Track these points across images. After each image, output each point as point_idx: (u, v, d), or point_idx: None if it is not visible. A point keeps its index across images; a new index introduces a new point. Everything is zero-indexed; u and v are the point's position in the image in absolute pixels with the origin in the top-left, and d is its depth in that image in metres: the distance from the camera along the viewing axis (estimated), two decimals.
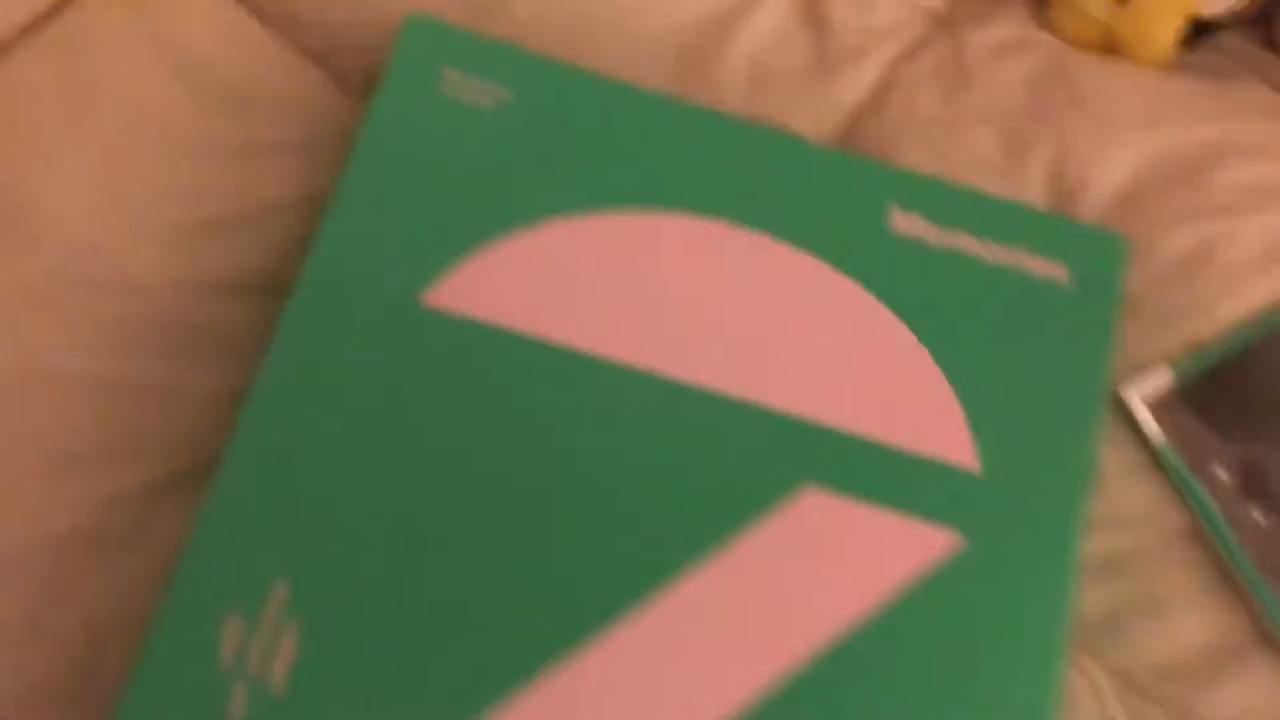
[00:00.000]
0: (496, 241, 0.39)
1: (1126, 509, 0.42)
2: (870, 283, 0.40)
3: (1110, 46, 0.50)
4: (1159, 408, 0.43)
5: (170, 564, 0.37)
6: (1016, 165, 0.46)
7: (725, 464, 0.37)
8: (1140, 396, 0.43)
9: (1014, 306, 0.40)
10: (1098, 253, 0.42)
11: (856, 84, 0.48)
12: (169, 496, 0.39)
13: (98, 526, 0.38)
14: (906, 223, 0.41)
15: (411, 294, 0.38)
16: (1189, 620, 0.41)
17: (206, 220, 0.43)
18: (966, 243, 0.41)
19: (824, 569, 0.36)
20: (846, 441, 0.38)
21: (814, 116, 0.47)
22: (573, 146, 0.41)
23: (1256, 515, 0.41)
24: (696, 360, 0.38)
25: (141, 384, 0.40)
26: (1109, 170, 0.46)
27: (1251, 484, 0.42)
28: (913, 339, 0.39)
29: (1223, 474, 0.42)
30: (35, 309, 0.40)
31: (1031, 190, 0.45)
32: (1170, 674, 0.41)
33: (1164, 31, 0.48)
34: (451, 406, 0.37)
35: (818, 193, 0.41)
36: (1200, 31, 0.50)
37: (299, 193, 0.44)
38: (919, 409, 0.38)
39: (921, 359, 0.39)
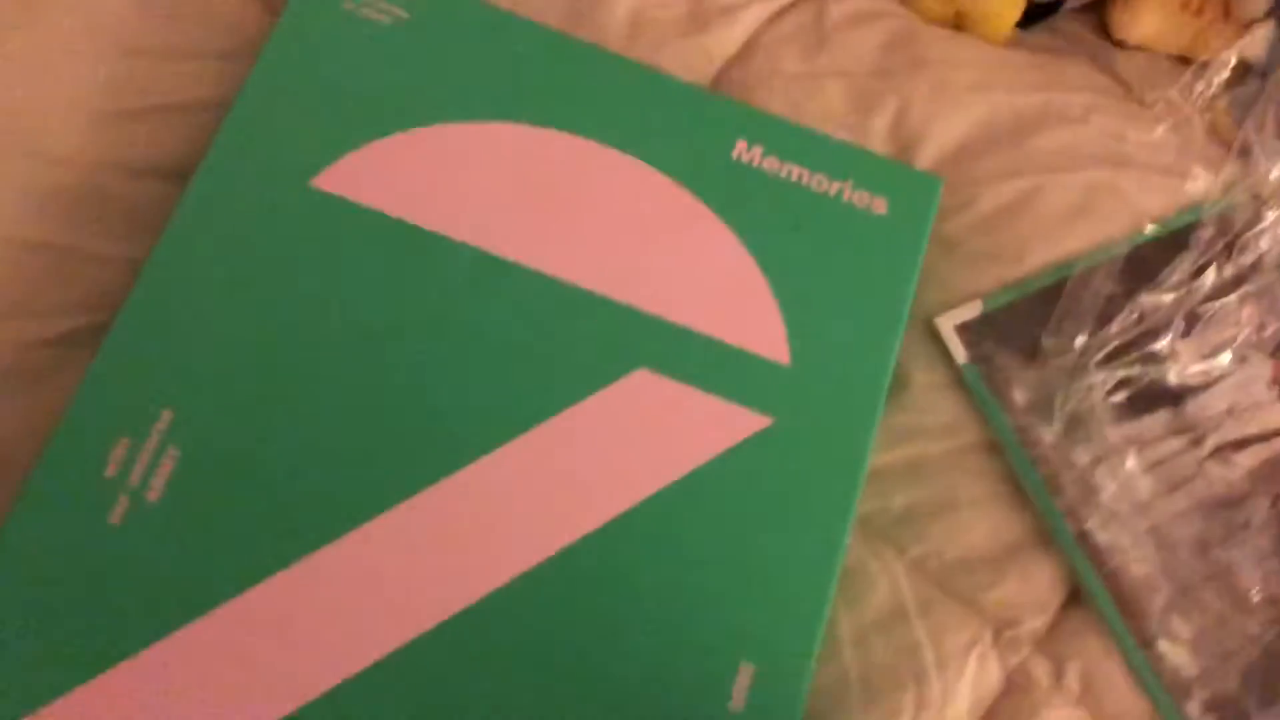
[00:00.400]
0: (383, 139, 0.44)
1: (932, 421, 0.47)
2: (711, 201, 0.45)
3: (959, 23, 0.55)
4: (967, 335, 0.48)
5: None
6: (862, 118, 0.51)
7: (569, 343, 0.42)
8: (952, 325, 0.48)
9: (836, 229, 0.45)
10: (915, 190, 0.47)
11: (726, 39, 0.52)
12: (73, 347, 0.43)
13: (8, 368, 0.42)
14: (750, 154, 0.46)
15: (302, 180, 0.42)
16: (979, 522, 0.46)
17: (128, 110, 0.46)
18: (801, 174, 0.46)
19: (643, 439, 0.41)
20: (678, 332, 0.43)
21: (685, 65, 0.51)
22: (460, 63, 0.45)
23: (1044, 433, 0.47)
24: (551, 253, 0.43)
25: (53, 246, 0.44)
26: (944, 127, 0.50)
27: (1041, 405, 0.47)
28: (743, 249, 0.44)
29: (1019, 395, 0.47)
30: None
31: (874, 141, 0.50)
32: (960, 568, 0.45)
33: (1006, 11, 0.54)
34: (325, 275, 0.41)
35: (675, 121, 0.46)
36: (1039, 14, 0.55)
37: (215, 95, 0.47)
38: (742, 308, 0.44)
39: (748, 266, 0.44)
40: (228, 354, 0.40)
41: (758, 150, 0.46)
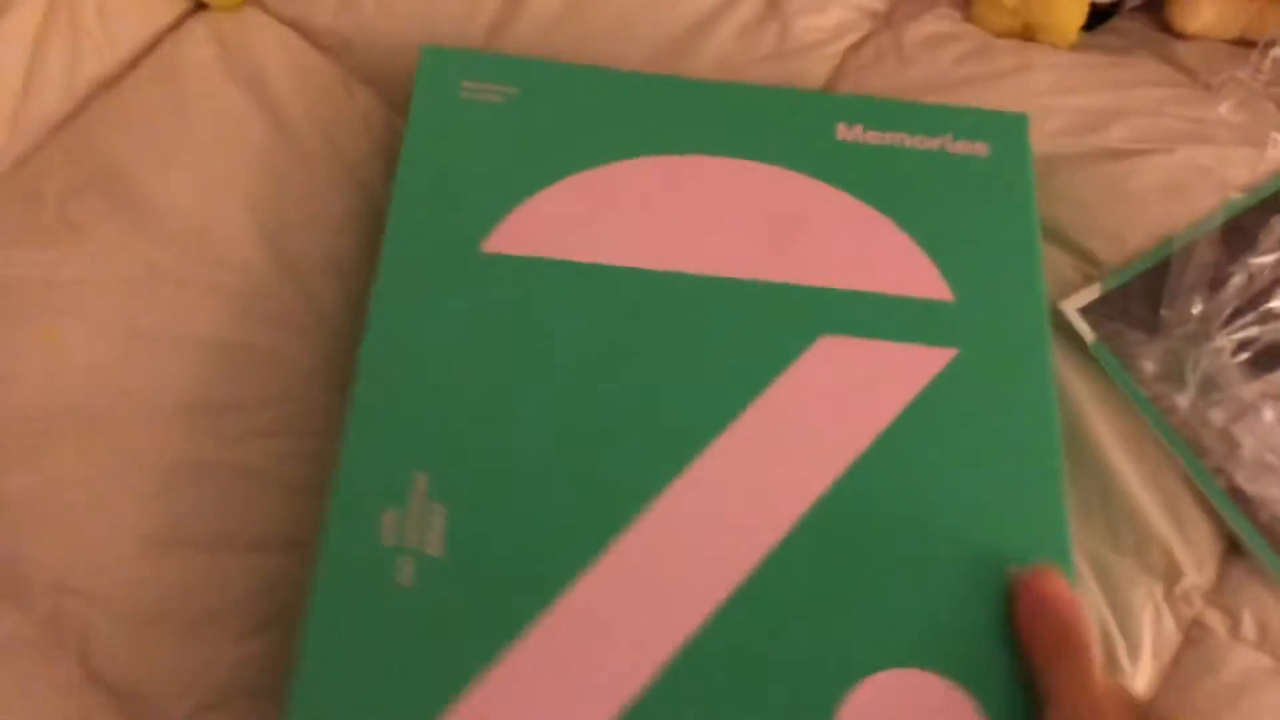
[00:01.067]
0: (529, 197, 0.47)
1: (1072, 401, 0.49)
2: (832, 179, 0.49)
3: (1026, 34, 0.59)
4: (1090, 316, 0.50)
5: (288, 490, 0.45)
6: None
7: (753, 330, 0.45)
8: (1075, 308, 0.51)
9: (951, 177, 0.49)
10: (1007, 129, 0.51)
11: (812, 73, 0.56)
12: (280, 436, 0.46)
13: (228, 457, 0.46)
14: (851, 132, 0.50)
15: (474, 248, 0.46)
16: (1132, 488, 0.49)
17: (287, 220, 0.50)
18: (902, 139, 0.50)
19: (847, 395, 0.45)
20: (846, 296, 0.46)
21: None
22: (578, 117, 0.49)
23: (1179, 398, 0.49)
24: (714, 257, 0.47)
25: (250, 346, 0.48)
26: (1032, 131, 0.54)
27: (1172, 373, 0.50)
28: (875, 213, 0.48)
29: (1149, 366, 0.50)
30: (163, 281, 0.48)
31: None
32: (1123, 533, 0.47)
33: (1070, 17, 0.57)
34: (519, 322, 0.45)
35: (779, 121, 0.50)
36: (1102, 17, 0.59)
37: (358, 194, 0.52)
38: (895, 263, 0.47)
39: (885, 225, 0.48)
40: (458, 410, 0.43)
41: (858, 128, 0.50)
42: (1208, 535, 0.48)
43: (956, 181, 0.49)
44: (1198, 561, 0.48)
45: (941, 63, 0.56)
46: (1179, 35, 0.59)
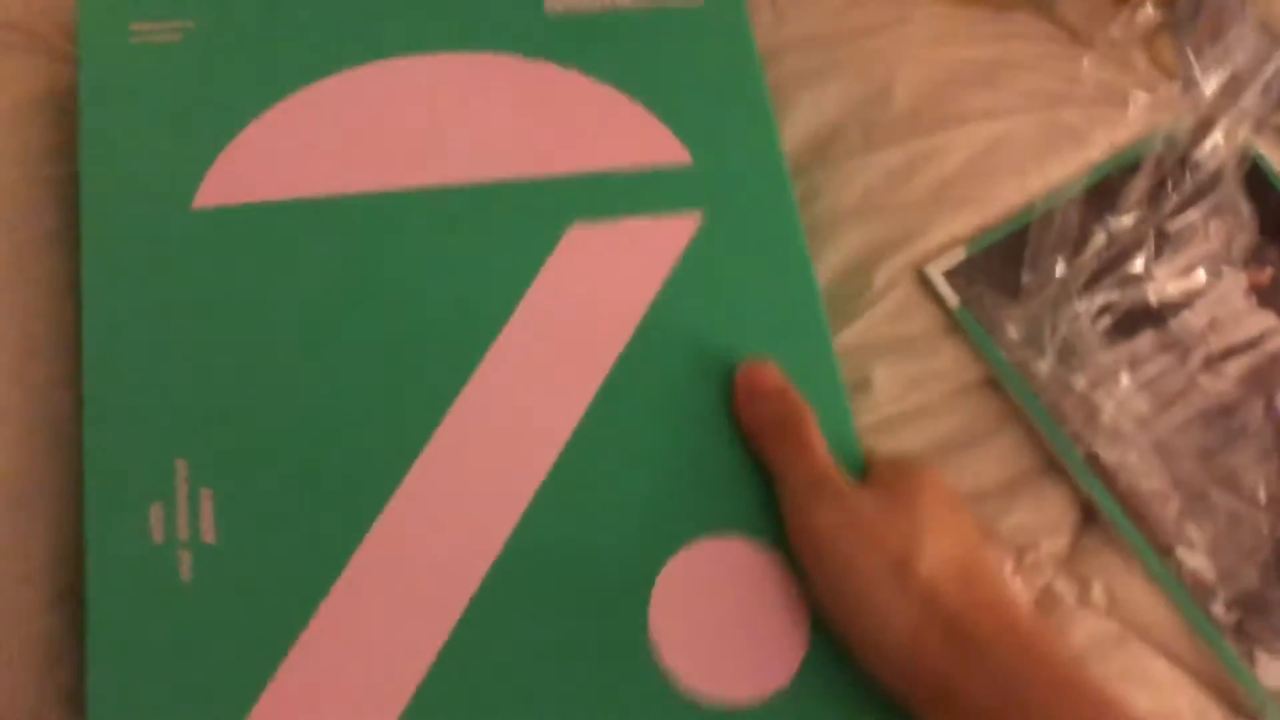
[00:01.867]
0: (230, 140, 0.44)
1: (935, 366, 0.48)
2: (551, 56, 0.47)
3: None
4: (955, 280, 0.49)
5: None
6: (825, 79, 0.53)
7: (502, 235, 0.43)
8: (940, 272, 0.49)
9: (670, 34, 0.48)
10: None
11: None
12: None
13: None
14: (558, 3, 0.48)
15: (183, 208, 0.42)
16: (989, 455, 0.47)
17: None
18: (614, 2, 0.48)
19: (609, 279, 0.43)
20: (589, 180, 0.45)
21: None
22: (261, 43, 0.46)
23: (1040, 364, 0.48)
24: (442, 166, 0.44)
25: None
26: (907, 83, 0.52)
27: (1033, 338, 0.49)
28: (598, 84, 0.47)
29: (1012, 331, 0.49)
30: None
31: (838, 99, 0.52)
32: (974, 500, 0.47)
33: None
34: (251, 279, 0.42)
35: (482, 4, 0.48)
36: None
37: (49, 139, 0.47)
38: (629, 135, 0.46)
39: (610, 95, 0.46)
40: (202, 386, 0.40)
41: None
42: (1064, 503, 0.47)
43: (676, 38, 0.48)
44: (1052, 528, 0.47)
45: (820, 13, 0.54)
46: None
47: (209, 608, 0.37)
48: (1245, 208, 0.51)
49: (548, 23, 0.47)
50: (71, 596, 0.40)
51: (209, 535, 0.38)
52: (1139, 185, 0.50)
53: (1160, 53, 0.55)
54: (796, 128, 0.52)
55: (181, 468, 0.39)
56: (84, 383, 0.39)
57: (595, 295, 0.43)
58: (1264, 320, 0.50)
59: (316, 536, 0.39)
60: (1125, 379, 0.47)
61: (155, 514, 0.38)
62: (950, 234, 0.50)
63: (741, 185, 0.46)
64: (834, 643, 0.39)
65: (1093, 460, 0.47)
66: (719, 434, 0.42)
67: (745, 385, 0.42)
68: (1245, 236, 0.51)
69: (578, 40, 0.47)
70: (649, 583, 0.40)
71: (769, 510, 0.41)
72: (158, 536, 0.38)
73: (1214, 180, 0.50)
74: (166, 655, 0.37)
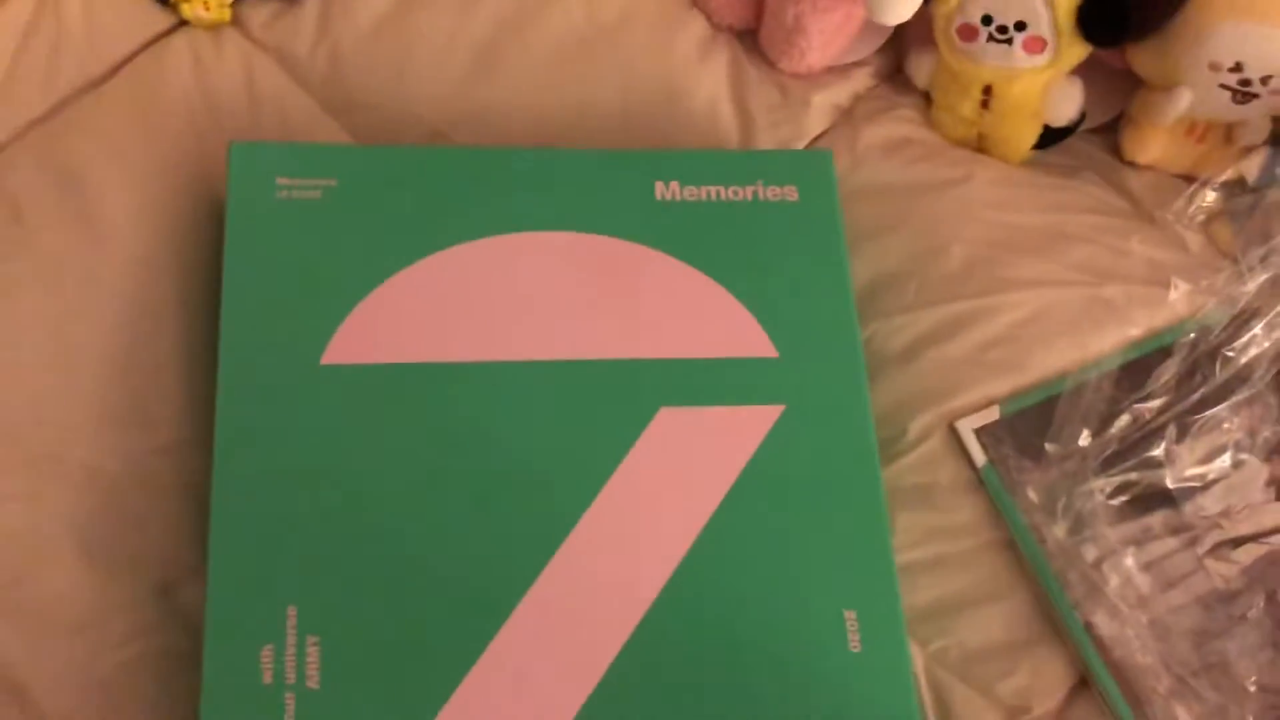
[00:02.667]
0: (360, 300, 0.48)
1: (955, 520, 0.51)
2: (655, 243, 0.51)
3: (980, 145, 0.60)
4: (985, 438, 0.52)
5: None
6: (886, 234, 0.56)
7: (598, 411, 0.48)
8: (971, 429, 0.52)
9: (764, 226, 0.52)
10: (814, 168, 0.54)
11: None
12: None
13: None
14: (668, 190, 0.52)
15: (313, 363, 0.46)
16: (998, 614, 0.50)
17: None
18: (717, 191, 0.52)
19: (691, 462, 0.47)
20: (681, 366, 0.49)
21: None
22: (395, 208, 0.50)
23: (1053, 531, 0.51)
24: (550, 342, 0.48)
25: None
26: (964, 241, 0.55)
27: (1050, 505, 0.51)
28: (696, 273, 0.50)
29: (1033, 495, 0.52)
30: (97, 295, 0.51)
31: (895, 259, 0.56)
32: (979, 658, 0.50)
33: (1023, 133, 0.58)
34: (369, 435, 0.46)
35: (601, 186, 0.52)
36: (1055, 137, 0.60)
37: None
38: (721, 326, 0.50)
39: (707, 285, 0.50)
40: (319, 536, 0.44)
41: (674, 185, 0.52)
42: (1062, 668, 0.50)
43: (771, 229, 0.52)
44: (1047, 692, 0.50)
45: (888, 166, 0.58)
46: (1130, 164, 0.60)
47: None
48: (1275, 401, 0.53)
49: (656, 208, 0.51)
50: None
51: (313, 681, 0.42)
52: (1169, 370, 0.52)
53: (1217, 236, 0.57)
54: (859, 274, 0.55)
55: (292, 614, 0.43)
56: (210, 527, 0.44)
57: (681, 474, 0.47)
58: None
59: (411, 687, 0.43)
60: (1130, 557, 0.50)
61: (266, 656, 0.42)
62: (986, 394, 0.53)
63: (821, 381, 0.49)
64: None
65: (1091, 630, 0.49)
66: (771, 624, 0.46)
67: None
68: (1272, 429, 0.53)
69: (681, 227, 0.51)
70: None
71: (813, 691, 0.45)
72: (267, 678, 0.42)
73: (1246, 373, 0.52)
74: None
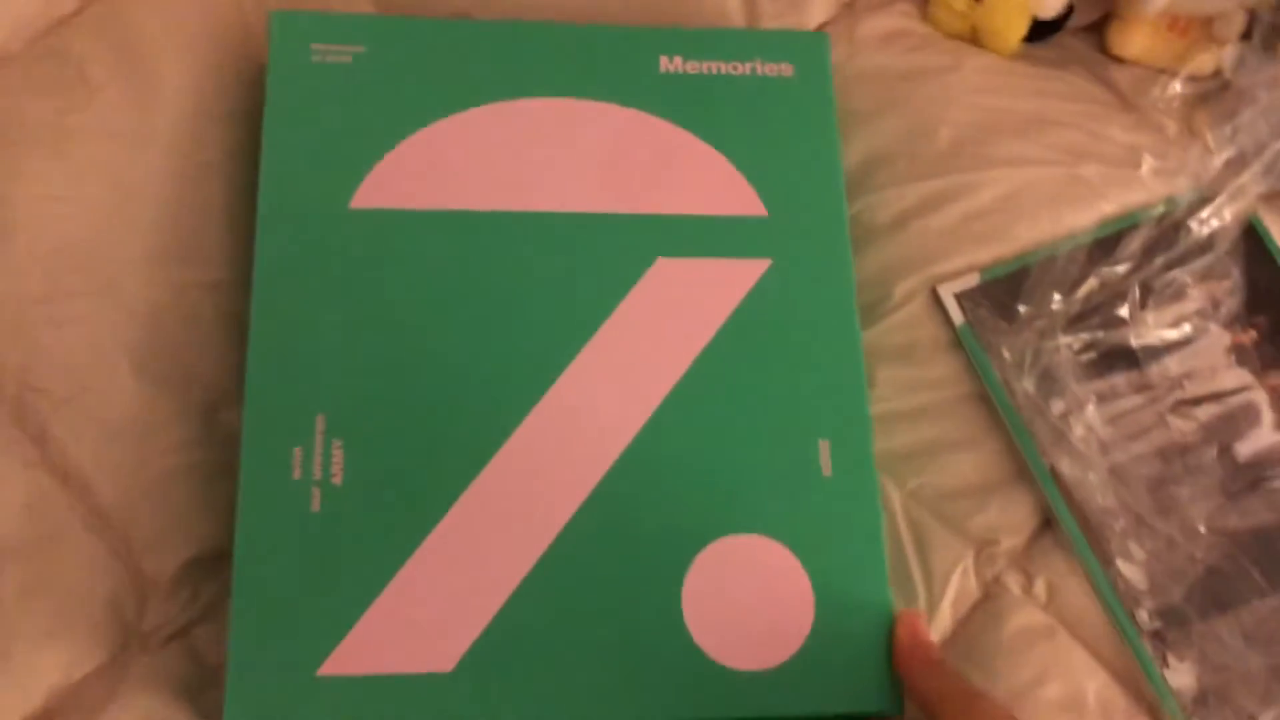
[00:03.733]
0: (387, 153, 0.53)
1: (934, 374, 0.56)
2: (658, 111, 0.55)
3: (974, 37, 0.64)
4: (965, 302, 0.56)
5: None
6: (879, 117, 0.60)
7: (600, 258, 0.52)
8: (951, 292, 0.56)
9: (762, 99, 0.56)
10: (810, 48, 0.58)
11: None
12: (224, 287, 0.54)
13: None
14: (672, 64, 0.56)
15: (343, 205, 0.52)
16: (969, 459, 0.55)
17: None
18: (718, 66, 0.56)
19: (687, 306, 0.52)
20: (678, 221, 0.53)
21: None
22: (419, 72, 0.54)
23: (1026, 384, 0.55)
24: (556, 195, 0.53)
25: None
26: (952, 123, 0.59)
27: (1021, 362, 0.55)
28: (695, 139, 0.55)
29: (1006, 353, 0.55)
30: (150, 147, 0.56)
31: (889, 137, 0.60)
32: (950, 497, 0.54)
33: (1011, 25, 0.62)
34: (393, 271, 0.51)
35: (609, 57, 0.56)
36: (1044, 31, 0.63)
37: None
38: (717, 186, 0.54)
39: (708, 152, 0.55)
40: (344, 356, 0.49)
41: (678, 59, 0.56)
42: (1028, 509, 0.54)
43: (767, 102, 0.56)
44: (1013, 529, 0.54)
45: (884, 55, 0.61)
46: (1116, 59, 0.64)
47: (332, 535, 0.47)
48: (1236, 273, 0.57)
49: (659, 79, 0.56)
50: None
51: (337, 478, 0.48)
52: (1137, 239, 0.56)
53: (1197, 124, 0.61)
54: (853, 154, 0.59)
55: (320, 421, 0.48)
56: (250, 344, 0.49)
57: (672, 318, 0.52)
58: (1239, 377, 0.56)
59: (422, 488, 0.48)
60: (1093, 409, 0.54)
61: (296, 456, 0.48)
62: (969, 262, 0.57)
63: (807, 240, 0.54)
64: (833, 627, 0.48)
65: (1055, 474, 0.54)
66: (750, 448, 0.50)
67: (908, 642, 0.48)
68: (1234, 300, 0.57)
69: (682, 97, 0.55)
70: (684, 566, 0.49)
71: (784, 512, 0.50)
72: (296, 474, 0.48)
73: (1208, 245, 0.56)
74: (296, 567, 0.47)
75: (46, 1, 0.57)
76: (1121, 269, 0.56)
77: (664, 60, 0.56)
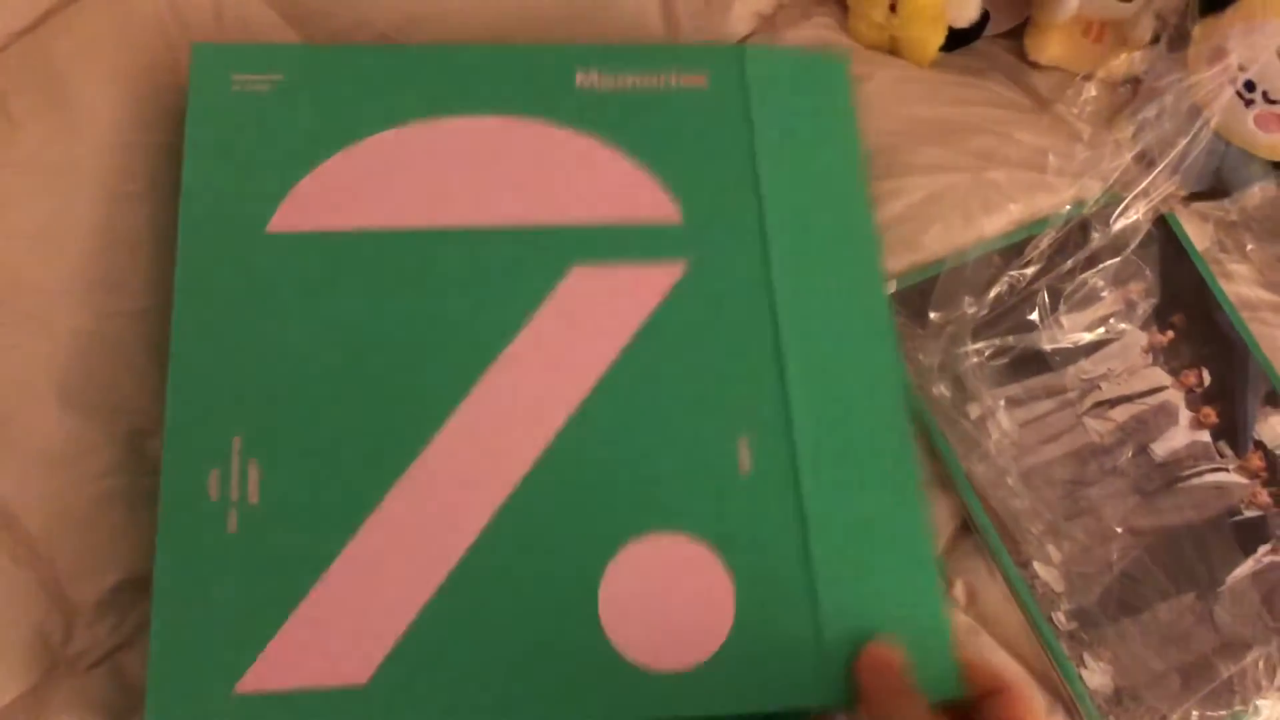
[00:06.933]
0: (303, 177, 0.53)
1: None
2: (574, 124, 0.56)
3: (892, 48, 0.65)
4: None
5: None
6: None
7: (515, 270, 0.53)
8: None
9: (676, 109, 0.56)
10: (726, 60, 0.58)
11: None
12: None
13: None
14: (588, 79, 0.57)
15: (259, 229, 0.52)
16: None
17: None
18: (634, 81, 0.57)
19: (602, 312, 0.52)
20: (593, 231, 0.54)
21: None
22: (337, 98, 0.55)
23: (940, 389, 0.56)
24: (473, 210, 0.53)
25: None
26: (869, 133, 0.59)
27: (937, 366, 0.56)
28: (612, 150, 0.55)
29: (922, 357, 0.56)
30: (79, 182, 0.56)
31: None
32: None
33: (927, 35, 0.63)
34: (307, 295, 0.51)
35: (526, 75, 0.57)
36: (961, 40, 0.64)
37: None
38: (631, 194, 0.55)
39: (623, 161, 0.55)
40: (264, 378, 0.50)
41: (594, 74, 0.57)
42: (947, 513, 0.55)
43: (682, 112, 0.56)
44: (933, 532, 0.54)
45: None
46: (1033, 64, 0.65)
47: (249, 554, 0.48)
48: (1152, 273, 0.58)
49: (576, 95, 0.56)
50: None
51: (254, 497, 0.48)
52: (1044, 241, 0.57)
53: (1112, 125, 0.61)
54: None
55: (237, 442, 0.49)
56: (169, 368, 0.49)
57: (588, 324, 0.52)
58: (1155, 377, 0.57)
59: (337, 503, 0.49)
60: (1007, 413, 0.55)
61: (213, 478, 0.48)
62: (886, 270, 0.58)
63: (722, 244, 0.54)
64: (754, 625, 0.48)
65: (972, 478, 0.54)
66: (668, 448, 0.51)
67: (872, 667, 0.46)
68: (1150, 301, 0.58)
69: (599, 110, 0.56)
70: (600, 569, 0.49)
71: (703, 510, 0.50)
72: (214, 495, 0.48)
73: (1120, 244, 0.57)
74: (213, 587, 0.47)
75: None
76: (1030, 270, 0.57)
77: (580, 75, 0.57)
